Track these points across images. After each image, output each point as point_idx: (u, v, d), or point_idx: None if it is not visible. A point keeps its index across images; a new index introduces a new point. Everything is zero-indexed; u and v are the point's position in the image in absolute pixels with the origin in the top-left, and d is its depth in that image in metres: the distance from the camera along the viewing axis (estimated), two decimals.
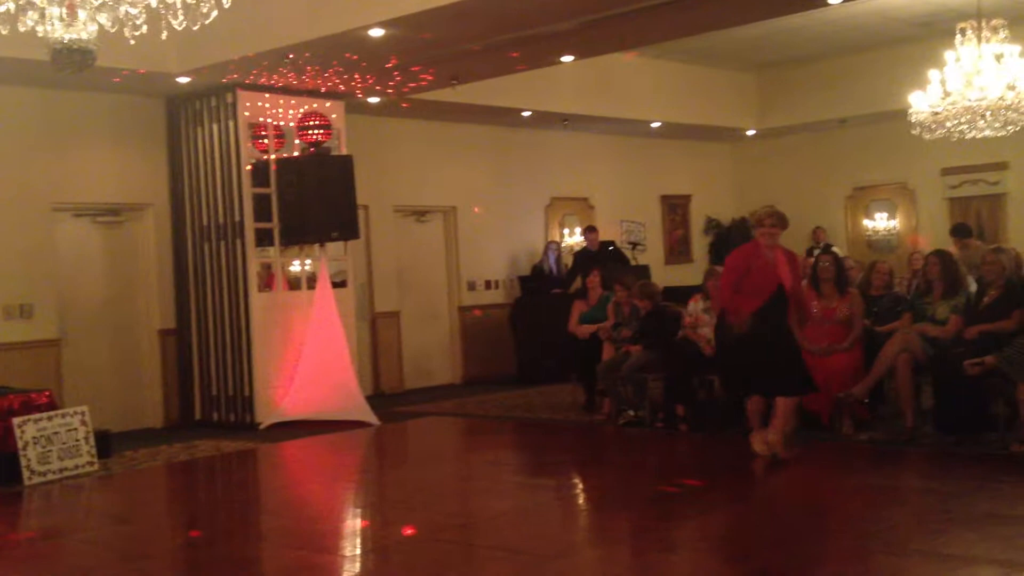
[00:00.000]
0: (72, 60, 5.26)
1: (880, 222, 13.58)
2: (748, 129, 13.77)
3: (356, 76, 8.87)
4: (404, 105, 10.20)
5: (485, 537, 5.24)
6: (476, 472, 7.26)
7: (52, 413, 7.04)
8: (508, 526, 5.40)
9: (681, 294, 9.21)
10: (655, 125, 12.73)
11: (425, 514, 5.73)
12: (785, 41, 11.80)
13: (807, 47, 12.20)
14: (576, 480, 6.86)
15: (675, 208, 14.18)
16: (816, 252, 10.44)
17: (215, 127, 9.17)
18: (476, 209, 11.73)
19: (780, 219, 6.44)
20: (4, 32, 5.14)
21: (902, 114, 9.65)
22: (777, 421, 6.36)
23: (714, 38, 10.64)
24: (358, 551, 5.23)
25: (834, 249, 11.09)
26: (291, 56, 8.03)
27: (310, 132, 9.02)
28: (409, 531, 5.28)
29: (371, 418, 8.84)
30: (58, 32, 5.15)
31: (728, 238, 13.76)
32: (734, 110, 13.41)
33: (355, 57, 8.20)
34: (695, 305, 7.96)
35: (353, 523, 5.93)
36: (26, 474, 6.79)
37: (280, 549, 5.31)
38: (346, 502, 6.54)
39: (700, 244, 14.39)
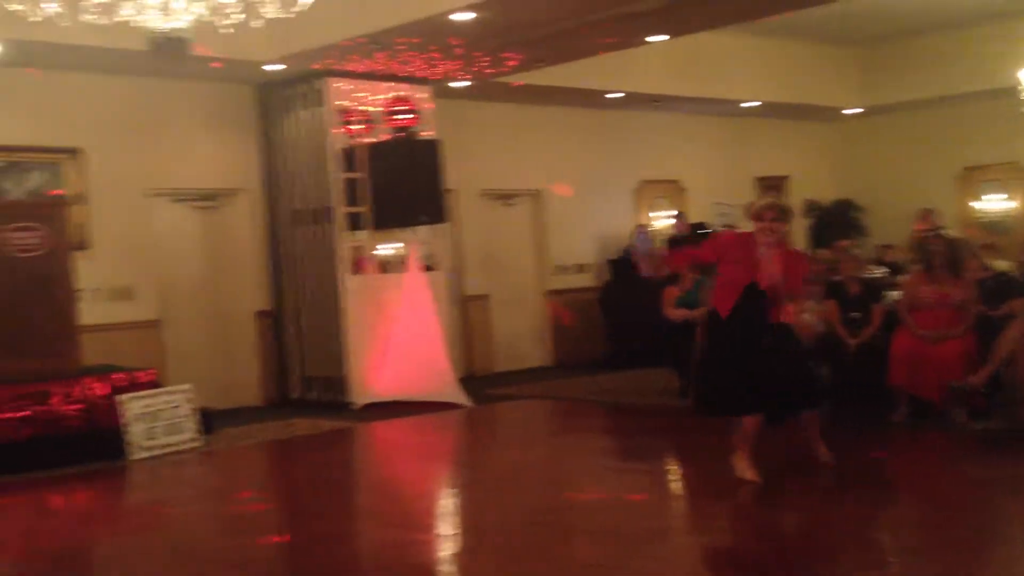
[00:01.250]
0: (170, 48, 5.40)
1: (993, 203, 12.95)
2: (849, 107, 13.26)
3: (441, 62, 8.84)
4: (471, 88, 9.98)
5: (580, 520, 5.17)
6: (568, 455, 7.18)
7: (157, 391, 7.28)
8: (603, 509, 5.31)
9: None
10: (750, 105, 12.37)
11: (519, 496, 5.70)
12: (889, 15, 11.28)
13: (912, 21, 11.63)
14: (671, 466, 6.73)
15: (772, 190, 13.77)
16: (929, 235, 9.99)
17: (305, 113, 9.30)
18: (561, 189, 11.51)
19: (783, 212, 5.38)
20: (102, 22, 5.29)
21: (1013, 91, 9.16)
22: (814, 431, 5.72)
23: (813, 13, 10.23)
24: (454, 530, 5.24)
25: (946, 231, 10.58)
26: (376, 44, 8.06)
27: (398, 117, 9.07)
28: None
29: (463, 400, 8.87)
30: (156, 22, 5.29)
31: (829, 221, 13.30)
32: (834, 88, 12.92)
33: (451, 41, 8.16)
34: None
35: (448, 503, 5.95)
36: (132, 449, 7.03)
37: (378, 527, 5.35)
38: (441, 482, 6.58)
39: (798, 227, 13.93)
